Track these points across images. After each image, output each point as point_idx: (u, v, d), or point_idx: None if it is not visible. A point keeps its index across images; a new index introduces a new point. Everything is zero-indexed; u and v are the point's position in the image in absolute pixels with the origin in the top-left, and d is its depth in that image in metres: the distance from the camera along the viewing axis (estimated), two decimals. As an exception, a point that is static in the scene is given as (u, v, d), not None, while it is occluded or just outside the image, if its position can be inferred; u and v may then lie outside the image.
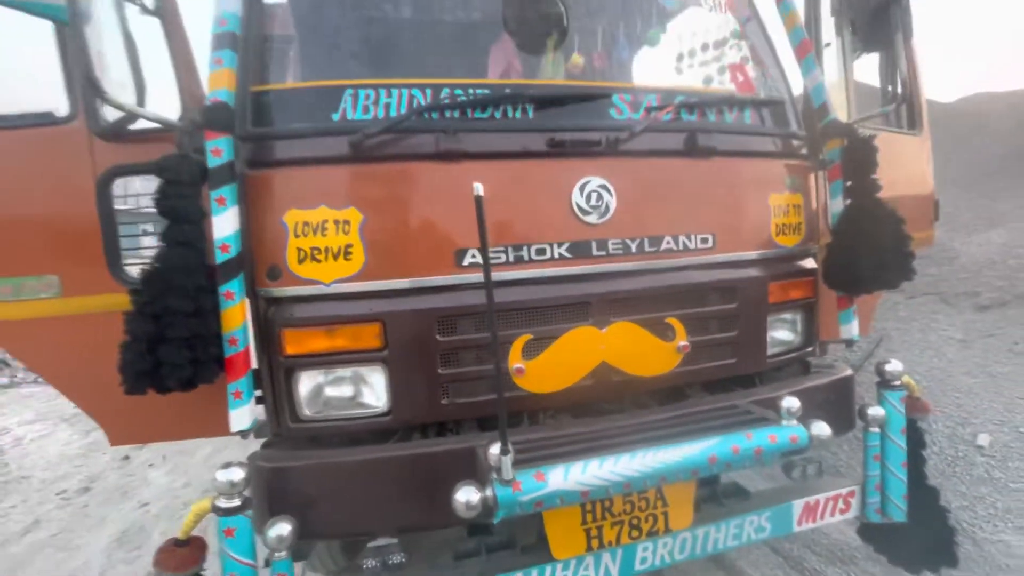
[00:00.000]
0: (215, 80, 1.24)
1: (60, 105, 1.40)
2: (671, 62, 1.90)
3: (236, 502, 1.18)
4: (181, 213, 1.19)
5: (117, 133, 1.36)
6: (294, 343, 1.35)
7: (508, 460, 1.11)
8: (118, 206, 1.38)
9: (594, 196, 1.47)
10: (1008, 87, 9.56)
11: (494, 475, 1.14)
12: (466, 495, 1.13)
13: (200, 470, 3.56)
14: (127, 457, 3.78)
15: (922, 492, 1.73)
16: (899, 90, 2.03)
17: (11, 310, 1.38)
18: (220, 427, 1.47)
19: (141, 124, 1.41)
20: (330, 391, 1.42)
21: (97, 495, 3.22)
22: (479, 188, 1.00)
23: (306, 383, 1.39)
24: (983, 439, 2.45)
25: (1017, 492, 2.22)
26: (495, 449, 1.14)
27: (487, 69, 1.82)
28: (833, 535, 2.28)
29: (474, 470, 1.26)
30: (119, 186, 1.39)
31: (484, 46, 1.81)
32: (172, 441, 2.00)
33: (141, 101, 1.35)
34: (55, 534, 2.78)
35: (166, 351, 1.14)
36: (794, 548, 2.29)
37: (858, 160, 1.71)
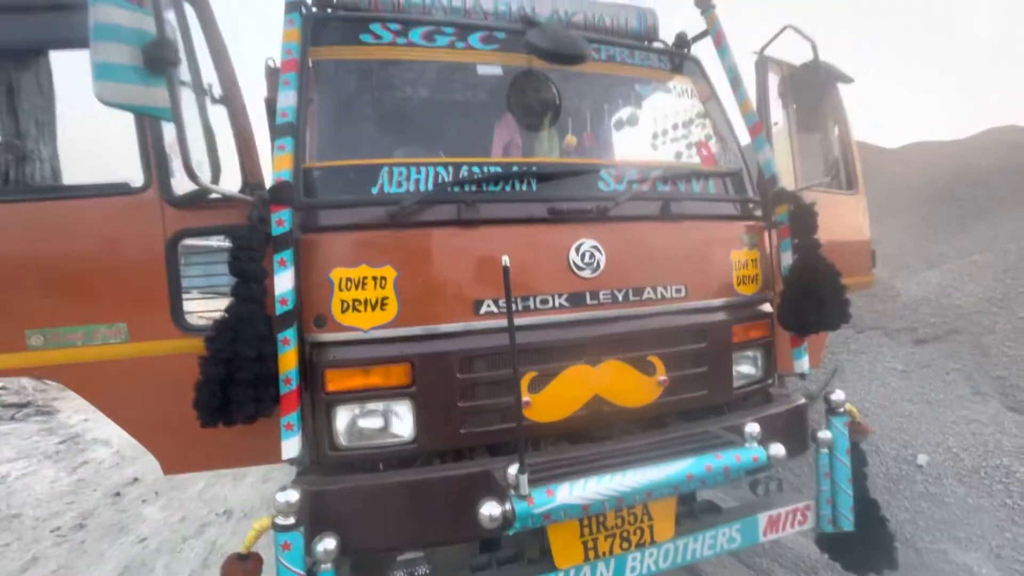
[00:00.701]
0: (279, 163, 1.50)
1: (130, 174, 1.63)
2: (647, 140, 2.25)
3: (291, 520, 1.37)
4: (250, 274, 1.42)
5: (184, 202, 1.59)
6: (335, 381, 1.57)
7: (525, 479, 1.35)
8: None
9: (587, 255, 1.76)
10: (947, 137, 10.55)
11: (512, 492, 1.38)
12: (489, 509, 1.36)
13: (194, 505, 3.61)
14: (118, 494, 3.80)
15: (866, 504, 2.02)
16: (836, 158, 2.44)
17: (81, 354, 1.56)
18: (263, 456, 1.66)
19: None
20: (363, 423, 1.62)
21: (93, 531, 3.24)
22: (506, 260, 1.28)
23: (343, 416, 1.60)
24: (922, 459, 2.78)
25: (951, 506, 2.54)
26: (513, 469, 1.37)
27: (493, 143, 2.14)
28: (796, 548, 2.54)
29: (490, 489, 1.48)
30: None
31: (491, 123, 2.12)
32: (220, 469, 2.16)
33: (216, 178, 1.59)
34: (55, 571, 2.81)
35: (236, 391, 1.35)
36: (763, 561, 2.53)
37: (802, 222, 2.06)
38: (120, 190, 1.61)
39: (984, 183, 7.28)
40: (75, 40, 1.68)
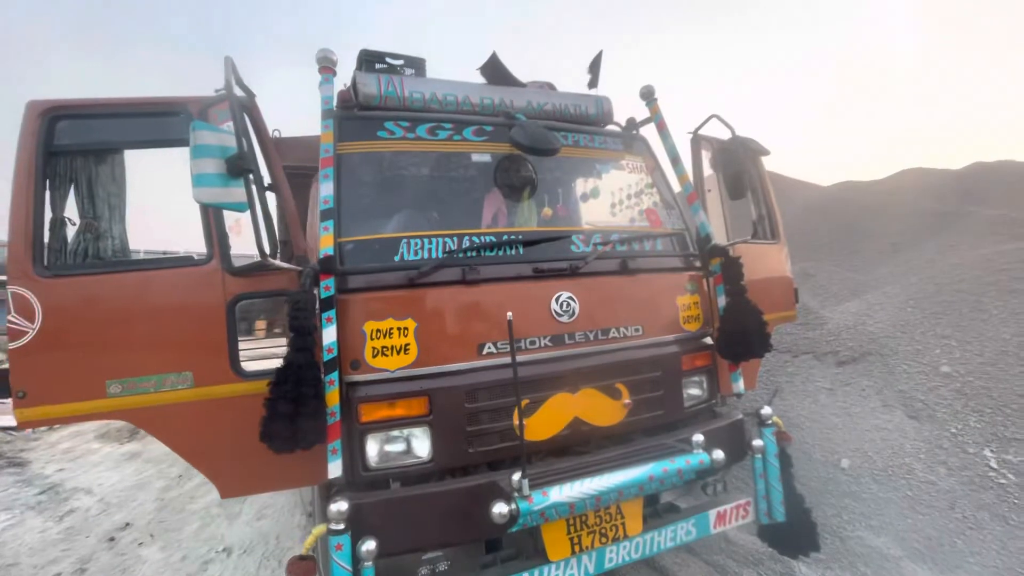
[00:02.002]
0: (324, 240, 1.90)
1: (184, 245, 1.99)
2: (607, 207, 2.77)
3: (342, 526, 1.70)
4: (305, 329, 1.80)
5: (240, 271, 1.96)
6: (367, 414, 1.93)
7: (526, 483, 1.75)
8: None
9: (565, 303, 2.22)
10: (870, 177, 11.83)
11: (516, 494, 1.77)
12: (499, 508, 1.74)
13: (193, 544, 3.74)
14: (113, 539, 3.87)
15: (794, 499, 2.49)
16: (761, 218, 3.04)
17: (152, 399, 1.87)
18: (305, 478, 2.00)
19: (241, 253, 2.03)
20: (389, 447, 1.99)
21: (96, 575, 3.35)
22: (510, 315, 1.71)
23: (373, 442, 1.96)
24: (845, 463, 3.31)
25: (868, 500, 3.05)
26: (516, 476, 1.77)
27: (483, 212, 2.60)
28: (746, 544, 2.98)
29: (496, 495, 1.86)
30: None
31: (481, 196, 2.58)
32: (270, 492, 2.41)
33: (273, 254, 1.96)
34: (66, 613, 2.93)
35: (303, 423, 1.70)
36: (720, 558, 2.96)
37: (731, 271, 2.59)
38: (188, 262, 1.96)
39: (899, 220, 8.31)
40: (144, 142, 2.07)
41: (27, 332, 1.80)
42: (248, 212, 1.70)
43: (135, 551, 3.67)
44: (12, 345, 1.80)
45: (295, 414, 1.71)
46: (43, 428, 7.21)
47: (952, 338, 3.81)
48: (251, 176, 1.73)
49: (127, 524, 4.10)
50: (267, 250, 1.75)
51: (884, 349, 3.99)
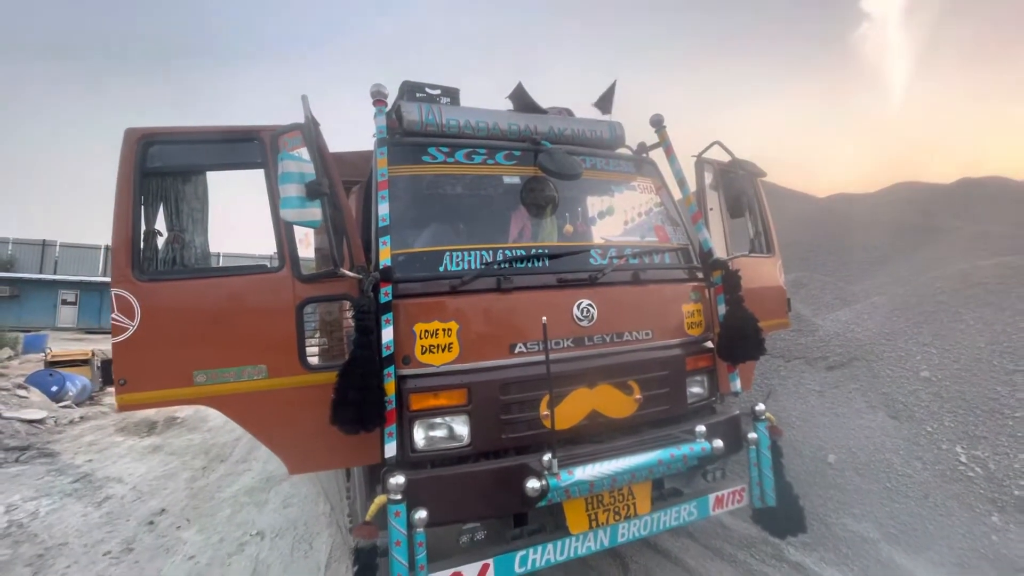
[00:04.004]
0: (383, 253, 2.21)
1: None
2: (620, 224, 3.10)
3: (399, 497, 2.00)
4: (367, 329, 2.10)
5: (308, 278, 2.26)
6: (416, 403, 2.23)
7: (556, 462, 2.05)
8: None
9: (585, 309, 2.53)
10: (863, 190, 12.23)
11: (546, 472, 2.07)
12: (532, 484, 2.04)
13: (228, 528, 4.02)
14: (152, 522, 4.14)
15: (784, 486, 2.79)
16: (757, 233, 3.36)
17: (232, 387, 2.17)
18: (361, 457, 2.29)
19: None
20: (433, 432, 2.29)
21: (142, 554, 3.62)
22: (544, 319, 2.02)
23: (420, 428, 2.26)
24: (832, 458, 3.63)
25: (851, 491, 3.36)
26: (547, 456, 2.07)
27: (510, 227, 2.91)
28: (741, 530, 3.29)
29: (527, 475, 2.15)
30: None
31: (509, 213, 2.90)
32: (332, 469, 2.65)
33: (340, 263, 2.25)
34: (122, 585, 3.21)
35: (369, 409, 2.00)
36: (716, 541, 3.26)
37: (730, 283, 2.90)
38: (263, 270, 2.27)
39: (888, 233, 8.67)
40: (223, 164, 2.38)
41: (128, 328, 2.10)
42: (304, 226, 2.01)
43: (175, 533, 3.95)
44: (115, 339, 2.10)
45: (362, 401, 2.01)
46: (66, 421, 7.48)
47: (932, 345, 4.14)
48: (326, 198, 2.04)
49: (163, 510, 4.38)
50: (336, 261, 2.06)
51: (870, 355, 4.31)
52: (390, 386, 2.14)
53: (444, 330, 2.28)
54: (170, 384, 2.13)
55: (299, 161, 2.03)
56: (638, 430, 2.70)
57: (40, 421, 6.92)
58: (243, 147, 2.33)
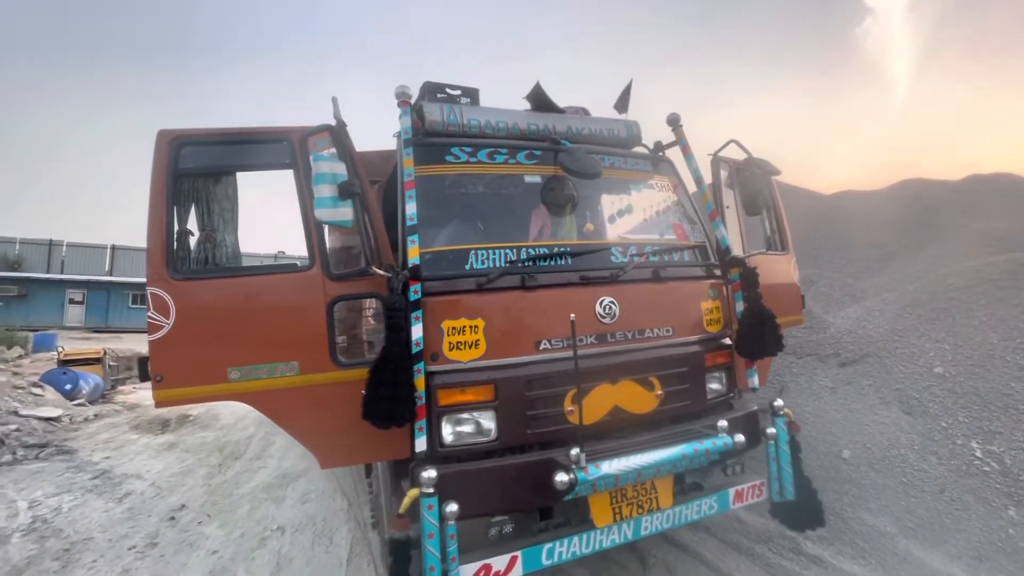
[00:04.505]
0: (412, 252, 2.25)
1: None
2: (638, 222, 3.13)
3: (431, 490, 2.04)
4: (398, 326, 2.14)
5: (338, 276, 2.30)
6: (444, 398, 2.27)
7: (583, 456, 2.09)
8: None
9: (607, 307, 2.56)
10: (869, 187, 12.21)
11: (574, 466, 2.11)
12: (560, 477, 2.08)
13: (248, 523, 4.08)
14: (173, 518, 4.20)
15: (802, 480, 2.83)
16: (781, 233, 3.40)
17: (265, 383, 2.22)
18: (391, 452, 2.34)
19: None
20: (460, 427, 2.33)
21: (166, 548, 3.68)
22: (573, 316, 2.06)
23: (448, 423, 2.30)
24: (846, 453, 3.66)
25: (867, 486, 3.40)
26: (575, 451, 2.11)
27: (530, 225, 2.95)
28: (757, 525, 3.33)
29: (552, 469, 2.19)
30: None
31: (529, 211, 2.93)
32: (362, 463, 2.68)
33: (373, 259, 2.28)
34: (150, 579, 3.27)
35: (400, 404, 2.05)
36: (734, 536, 3.30)
37: (748, 280, 2.94)
38: (293, 268, 2.31)
39: (895, 230, 8.68)
40: (252, 165, 2.43)
41: (163, 326, 2.15)
42: (337, 226, 2.06)
43: (196, 528, 4.01)
44: (151, 337, 2.15)
45: (394, 397, 2.06)
46: (80, 419, 7.56)
47: (945, 342, 4.17)
48: (357, 198, 2.08)
49: (183, 505, 4.45)
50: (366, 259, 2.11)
51: (882, 351, 4.34)
52: (420, 382, 2.19)
53: (471, 327, 2.32)
54: (205, 380, 2.18)
55: (331, 162, 2.08)
56: (659, 425, 2.74)
57: (56, 419, 7.00)
58: (272, 148, 2.37)
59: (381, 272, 2.21)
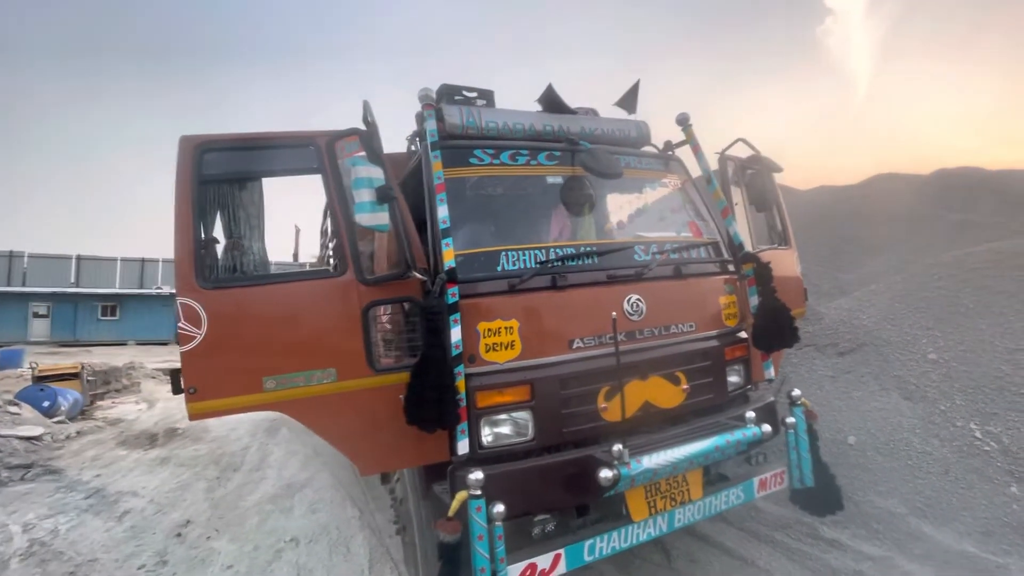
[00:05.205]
0: (447, 255, 2.24)
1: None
2: (655, 220, 3.19)
3: (479, 492, 2.04)
4: (437, 329, 2.14)
5: (371, 281, 2.28)
6: (482, 400, 2.28)
7: (627, 452, 2.12)
8: None
9: (635, 304, 2.60)
10: (843, 182, 12.65)
11: (616, 462, 2.14)
12: (604, 473, 2.11)
13: (259, 535, 3.99)
14: (179, 534, 4.08)
15: (820, 467, 2.92)
16: (779, 228, 3.50)
17: (302, 392, 2.18)
18: (429, 455, 2.32)
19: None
20: (498, 429, 2.34)
21: (178, 566, 3.57)
22: (615, 314, 2.09)
23: (487, 424, 2.31)
24: (852, 439, 3.80)
25: (874, 470, 3.53)
26: (617, 447, 2.14)
27: (551, 225, 2.97)
28: (775, 512, 3.43)
29: (592, 467, 2.21)
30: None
31: (549, 211, 2.96)
32: (403, 468, 2.67)
33: (409, 267, 2.26)
34: (164, 598, 3.17)
35: (447, 407, 2.04)
36: (752, 524, 3.39)
37: (763, 275, 3.02)
38: (326, 274, 2.28)
39: (873, 224, 9.02)
40: (278, 170, 2.39)
41: (195, 337, 2.10)
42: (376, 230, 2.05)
43: (206, 544, 3.90)
44: (183, 348, 2.10)
45: (440, 400, 2.05)
46: (63, 436, 7.25)
47: (936, 329, 4.36)
48: (395, 202, 2.07)
49: (188, 521, 4.32)
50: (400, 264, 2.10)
51: (877, 340, 4.51)
52: (461, 384, 2.19)
53: (506, 328, 2.33)
54: (241, 391, 2.13)
55: (368, 166, 2.06)
56: (684, 419, 2.79)
57: (38, 438, 6.70)
58: (298, 153, 2.34)
59: (420, 275, 2.21)
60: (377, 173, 2.07)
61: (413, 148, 3.35)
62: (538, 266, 2.47)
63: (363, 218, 2.01)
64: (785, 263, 3.75)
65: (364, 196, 2.01)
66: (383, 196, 2.04)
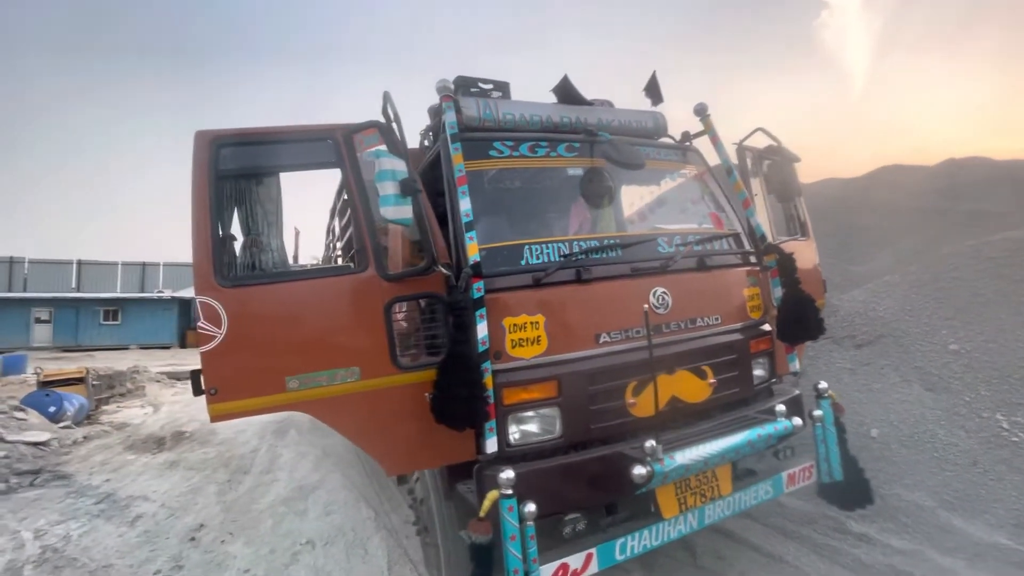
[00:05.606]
0: (471, 249, 2.19)
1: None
2: (676, 212, 3.13)
3: (510, 491, 1.99)
4: (465, 325, 2.08)
5: (393, 276, 2.22)
6: (509, 397, 2.22)
7: (660, 448, 2.07)
8: None
9: (661, 297, 2.55)
10: (849, 174, 12.59)
11: (649, 458, 2.08)
12: (638, 470, 2.05)
13: (275, 538, 3.94)
14: (193, 538, 4.03)
15: (849, 460, 2.87)
16: (798, 220, 3.44)
17: (326, 391, 2.13)
18: (456, 454, 2.27)
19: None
20: (525, 427, 2.28)
21: (194, 570, 3.52)
22: (647, 306, 2.04)
23: (514, 421, 2.25)
24: (874, 432, 3.74)
25: (899, 463, 3.48)
26: (650, 443, 2.08)
27: (570, 217, 2.92)
28: (799, 507, 3.37)
29: (629, 461, 2.15)
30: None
31: (571, 204, 2.90)
32: (429, 468, 2.58)
33: (437, 258, 2.19)
34: (182, 604, 3.12)
35: (477, 405, 1.99)
36: (776, 520, 3.34)
37: (786, 267, 2.96)
38: (347, 271, 2.23)
39: (880, 215, 8.96)
40: (296, 165, 2.33)
41: (216, 336, 2.04)
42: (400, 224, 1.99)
43: (221, 548, 3.85)
44: (203, 348, 2.04)
45: (472, 397, 2.00)
46: (69, 442, 7.20)
47: (955, 319, 4.30)
48: (419, 195, 2.01)
49: (201, 525, 4.26)
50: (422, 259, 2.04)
51: (896, 331, 4.46)
52: (489, 381, 2.13)
53: (532, 323, 2.28)
54: (263, 391, 2.08)
55: (392, 159, 2.00)
56: (709, 414, 2.74)
57: (45, 443, 6.65)
58: (316, 147, 2.28)
59: (445, 270, 2.15)
60: (400, 166, 2.02)
61: (426, 143, 3.29)
62: (562, 259, 2.41)
63: (388, 212, 1.96)
64: (804, 254, 3.70)
65: (388, 189, 1.95)
66: (407, 189, 1.98)
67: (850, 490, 2.84)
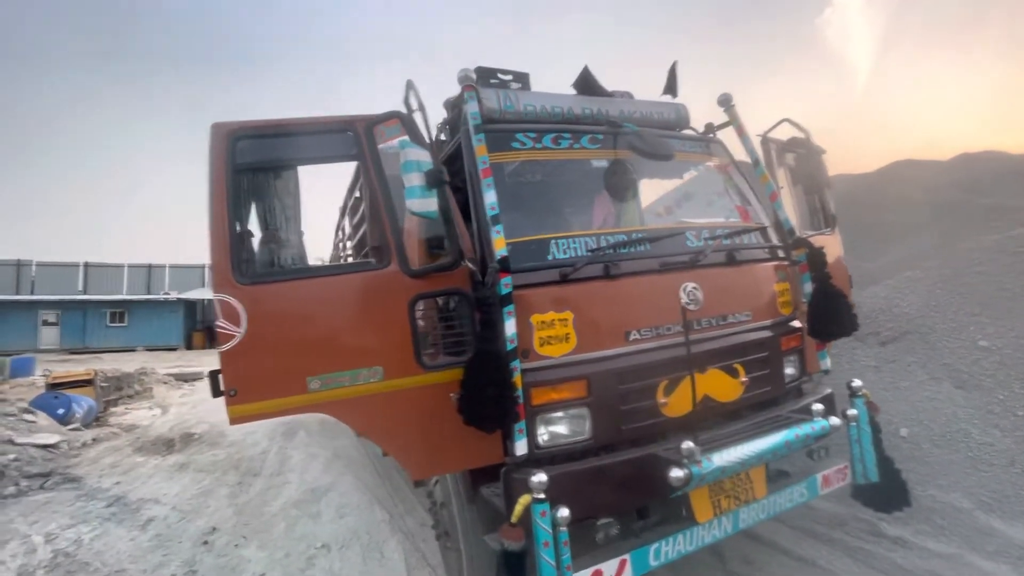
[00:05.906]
0: (498, 243, 2.10)
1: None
2: (703, 205, 3.03)
3: (543, 495, 1.90)
4: (492, 322, 2.00)
5: (417, 272, 2.14)
6: (538, 397, 2.13)
7: (698, 450, 1.98)
8: None
9: (691, 293, 2.45)
10: (861, 170, 12.43)
11: (686, 460, 1.99)
12: (675, 472, 1.96)
13: (289, 541, 3.87)
14: (206, 542, 3.96)
15: (885, 461, 2.77)
16: (825, 213, 3.34)
17: (348, 392, 2.05)
18: (484, 456, 2.18)
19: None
20: (554, 428, 2.20)
21: (208, 574, 3.46)
22: (684, 298, 1.95)
23: (543, 422, 2.16)
24: (904, 431, 3.64)
25: (932, 463, 3.37)
26: (687, 444, 1.99)
27: (594, 210, 2.83)
28: (828, 510, 3.27)
29: (664, 464, 2.06)
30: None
31: (595, 197, 2.81)
32: (456, 471, 2.42)
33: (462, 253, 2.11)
34: (196, 610, 3.04)
35: (507, 405, 1.90)
36: (806, 523, 3.24)
37: (816, 261, 2.87)
38: (369, 267, 2.15)
39: (894, 211, 8.82)
40: (315, 158, 2.25)
41: (234, 336, 1.97)
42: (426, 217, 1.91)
43: (235, 552, 3.78)
44: (222, 348, 1.96)
45: (500, 397, 1.91)
46: (79, 444, 7.16)
47: (983, 315, 4.19)
48: (444, 186, 1.93)
49: (214, 528, 4.20)
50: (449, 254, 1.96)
51: (922, 328, 4.34)
52: (518, 380, 2.05)
53: (560, 320, 2.19)
54: (284, 392, 2.00)
55: (417, 149, 1.92)
56: (740, 414, 2.65)
57: (54, 446, 6.61)
58: (336, 139, 2.20)
59: (472, 266, 2.07)
60: (425, 156, 1.93)
61: (443, 137, 3.21)
62: (590, 254, 2.32)
63: (414, 204, 1.87)
64: (831, 249, 3.59)
65: (414, 180, 1.87)
66: (433, 180, 1.90)
67: (886, 491, 2.75)
